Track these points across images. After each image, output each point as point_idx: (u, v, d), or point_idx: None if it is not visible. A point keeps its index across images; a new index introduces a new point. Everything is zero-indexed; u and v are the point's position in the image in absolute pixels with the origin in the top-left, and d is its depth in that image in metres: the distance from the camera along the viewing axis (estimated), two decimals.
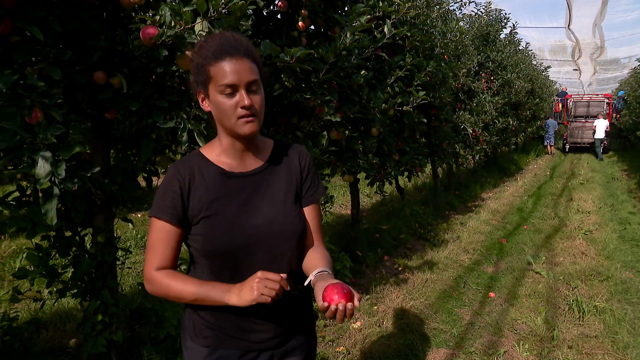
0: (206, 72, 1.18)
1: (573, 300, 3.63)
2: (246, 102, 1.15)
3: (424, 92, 3.97)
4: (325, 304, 1.03)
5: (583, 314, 3.47)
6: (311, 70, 3.02)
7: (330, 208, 6.94)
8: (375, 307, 3.61)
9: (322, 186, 1.39)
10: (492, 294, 4.05)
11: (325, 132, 3.09)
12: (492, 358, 2.96)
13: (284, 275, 1.11)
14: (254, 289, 1.08)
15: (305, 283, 1.18)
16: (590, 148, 16.87)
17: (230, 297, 1.12)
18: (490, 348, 3.08)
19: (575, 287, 4.00)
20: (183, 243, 1.28)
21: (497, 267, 4.83)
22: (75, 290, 2.39)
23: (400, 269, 4.52)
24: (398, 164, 5.04)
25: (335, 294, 1.04)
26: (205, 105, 1.24)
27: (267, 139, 1.39)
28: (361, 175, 5.30)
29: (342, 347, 2.97)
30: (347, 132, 3.56)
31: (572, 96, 19.08)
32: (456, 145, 7.45)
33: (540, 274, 4.44)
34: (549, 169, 13.18)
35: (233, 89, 1.16)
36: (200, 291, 1.17)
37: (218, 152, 1.29)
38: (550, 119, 16.96)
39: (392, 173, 4.93)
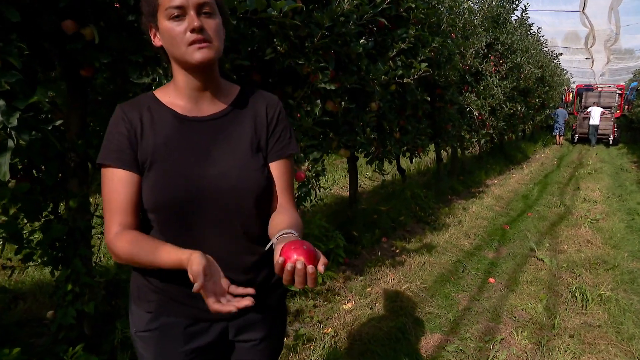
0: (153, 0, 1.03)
1: (576, 288, 3.46)
2: (195, 23, 0.99)
3: (427, 65, 3.74)
4: (281, 258, 0.87)
5: (586, 302, 3.30)
6: (305, 36, 2.83)
7: (330, 189, 6.79)
8: (369, 289, 3.46)
9: (294, 142, 1.22)
10: (491, 280, 3.89)
11: (319, 101, 2.91)
12: (488, 345, 2.81)
13: (225, 284, 0.99)
14: (196, 275, 0.94)
15: (267, 248, 1.02)
16: (600, 139, 16.58)
17: (182, 261, 0.99)
18: (487, 334, 2.92)
19: (579, 275, 3.83)
20: None
21: (499, 253, 4.66)
22: (45, 258, 2.25)
23: (397, 251, 4.36)
24: (399, 143, 4.86)
25: (293, 250, 0.88)
26: (157, 41, 1.09)
27: (234, 84, 1.21)
28: (361, 159, 5.15)
29: (330, 329, 2.83)
30: (343, 103, 3.36)
31: (583, 86, 18.71)
32: (461, 129, 7.24)
33: (543, 261, 4.27)
34: (556, 159, 12.93)
35: (181, 12, 1.00)
36: (155, 255, 1.02)
37: (172, 94, 1.13)
38: (560, 108, 16.66)
39: (393, 152, 4.76)
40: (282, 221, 1.08)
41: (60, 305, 2.27)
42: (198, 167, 1.07)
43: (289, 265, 0.85)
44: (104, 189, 1.07)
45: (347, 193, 6.16)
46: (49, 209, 2.27)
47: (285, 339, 2.69)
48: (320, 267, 0.87)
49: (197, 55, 1.01)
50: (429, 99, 5.64)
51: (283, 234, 0.98)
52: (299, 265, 0.85)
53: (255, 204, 1.11)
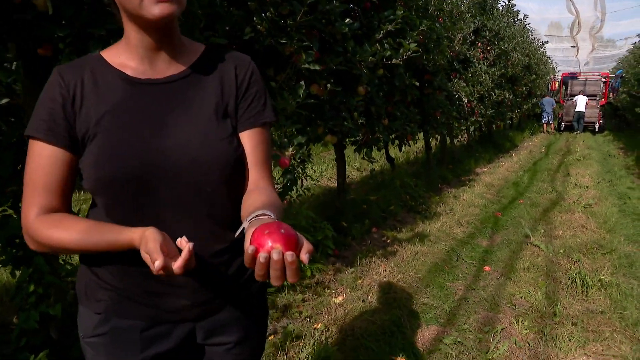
0: None
1: (576, 274, 3.32)
2: None
3: (416, 44, 3.57)
4: (251, 247, 0.68)
5: (587, 288, 3.17)
6: (287, 14, 2.65)
7: (317, 180, 6.61)
8: (360, 281, 3.29)
9: (270, 108, 1.03)
10: (487, 268, 3.75)
11: (302, 82, 2.72)
12: (488, 336, 2.65)
13: (186, 249, 0.79)
14: (152, 253, 0.78)
15: (237, 234, 0.84)
16: (586, 127, 16.62)
17: (134, 241, 0.82)
18: (486, 325, 2.77)
19: (577, 261, 3.69)
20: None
21: (493, 241, 4.52)
22: (3, 257, 2.05)
23: (388, 241, 4.20)
24: (388, 129, 4.69)
25: (267, 236, 0.69)
26: None
27: (197, 43, 1.02)
28: (349, 149, 4.97)
29: (320, 324, 2.65)
30: (329, 85, 3.18)
31: (568, 75, 18.71)
32: (450, 116, 7.10)
33: (539, 247, 4.13)
34: (544, 147, 12.88)
35: None
36: (89, 234, 0.85)
37: (123, 54, 0.93)
38: (546, 97, 16.65)
39: (382, 139, 4.59)
40: (255, 201, 0.90)
41: (22, 308, 2.07)
42: (151, 138, 0.88)
43: (261, 256, 0.67)
44: (27, 165, 0.88)
45: (335, 184, 5.99)
46: (8, 204, 2.07)
47: (271, 336, 2.51)
48: (304, 256, 0.69)
49: (155, 9, 0.82)
50: (417, 84, 5.48)
51: (256, 216, 0.80)
52: (274, 256, 0.66)
53: (222, 181, 0.93)
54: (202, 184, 0.91)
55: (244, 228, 0.81)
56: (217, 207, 0.95)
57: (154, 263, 0.74)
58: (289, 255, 0.67)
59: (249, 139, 0.99)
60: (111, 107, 0.88)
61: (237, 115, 0.98)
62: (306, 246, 0.71)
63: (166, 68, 0.94)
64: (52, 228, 0.86)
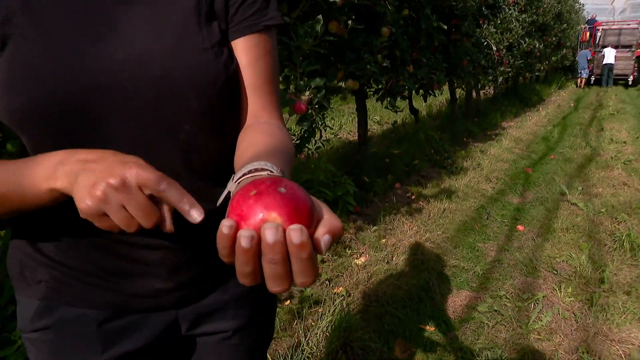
0: None
1: (626, 236, 2.99)
2: None
3: None
4: (227, 223, 0.39)
5: (636, 252, 2.85)
6: None
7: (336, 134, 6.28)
8: (384, 240, 3.02)
9: (275, 6, 0.70)
10: (520, 227, 3.44)
11: (320, 16, 2.36)
12: (527, 304, 2.38)
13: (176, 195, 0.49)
14: (96, 188, 0.46)
15: (220, 201, 0.54)
16: (619, 79, 15.77)
17: (57, 176, 0.50)
18: (525, 291, 2.49)
19: (622, 221, 3.36)
20: None
21: (524, 198, 4.19)
22: None
23: (413, 197, 3.90)
24: (412, 77, 4.31)
25: (253, 200, 0.39)
26: None
27: None
28: (370, 101, 4.60)
29: (340, 288, 2.40)
30: (350, 23, 2.81)
31: (602, 24, 17.63)
32: (478, 65, 6.63)
33: (577, 206, 3.80)
34: (573, 101, 12.25)
35: None
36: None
37: None
38: (583, 50, 15.82)
39: (406, 87, 4.22)
40: (252, 144, 0.60)
41: None
42: (92, 48, 0.57)
43: (242, 237, 0.37)
44: None
45: (355, 138, 5.66)
46: None
47: (287, 302, 2.27)
48: (322, 237, 0.40)
49: None
50: (445, 27, 5.04)
51: (249, 172, 0.50)
52: (268, 235, 0.37)
53: (204, 113, 0.63)
54: (175, 118, 0.61)
55: (229, 192, 0.51)
56: (199, 153, 0.65)
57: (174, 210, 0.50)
58: (296, 232, 0.37)
59: (245, 51, 0.67)
60: (27, 3, 0.56)
61: (227, 17, 0.66)
62: (328, 221, 0.41)
63: None
64: None
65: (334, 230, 0.40)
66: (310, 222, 0.40)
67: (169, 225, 0.50)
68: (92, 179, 0.46)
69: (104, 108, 0.57)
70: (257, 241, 0.37)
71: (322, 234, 0.40)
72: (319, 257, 2.74)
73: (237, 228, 0.38)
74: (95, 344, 0.66)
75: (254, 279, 0.40)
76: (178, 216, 0.60)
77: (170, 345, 0.73)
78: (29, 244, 0.66)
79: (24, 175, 0.52)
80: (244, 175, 0.50)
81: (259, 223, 0.38)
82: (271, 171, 0.49)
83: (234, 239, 0.38)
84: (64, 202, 0.52)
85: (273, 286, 0.38)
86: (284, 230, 0.37)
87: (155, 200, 0.49)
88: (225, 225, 0.38)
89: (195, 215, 0.48)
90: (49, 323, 0.66)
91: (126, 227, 0.48)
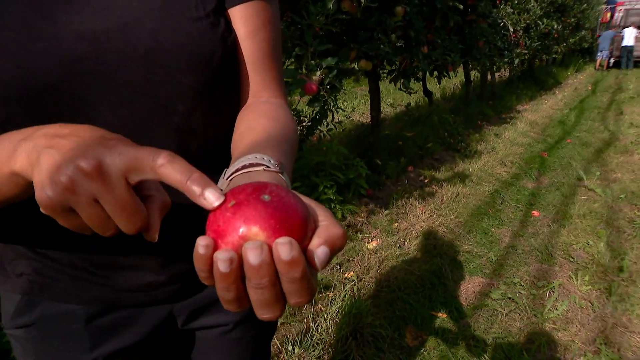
0: None
1: None
2: None
3: None
4: (203, 242, 0.32)
5: None
6: None
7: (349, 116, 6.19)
8: (396, 225, 2.97)
9: None
10: (535, 213, 3.37)
11: None
12: (543, 292, 2.32)
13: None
14: (61, 171, 0.34)
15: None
16: (638, 63, 15.37)
17: (17, 154, 0.38)
18: (540, 279, 2.43)
19: None
20: None
21: (540, 183, 4.10)
22: None
23: (426, 181, 3.83)
24: (427, 58, 4.20)
25: (231, 212, 0.33)
26: None
27: None
28: (383, 83, 4.50)
29: (351, 273, 2.36)
30: (363, 1, 2.71)
31: (624, 3, 17.13)
32: (494, 46, 6.47)
33: (595, 192, 3.70)
34: (590, 84, 11.97)
35: None
36: None
37: None
38: (607, 30, 15.40)
39: (420, 68, 4.12)
40: (249, 131, 0.54)
41: None
42: (66, 15, 0.49)
43: (220, 258, 0.31)
44: None
45: (368, 120, 5.57)
46: None
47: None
48: (319, 249, 0.33)
49: None
50: (461, 7, 4.90)
51: (242, 168, 0.43)
52: (250, 255, 0.31)
53: (201, 90, 0.56)
54: (168, 97, 0.54)
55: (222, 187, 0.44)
56: (195, 137, 0.58)
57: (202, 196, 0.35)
58: (284, 247, 0.30)
59: (243, 20, 0.60)
60: None
61: None
62: (325, 229, 0.35)
63: None
64: None
65: (332, 239, 0.34)
66: (303, 233, 0.33)
67: (154, 232, 0.38)
68: (57, 160, 0.34)
69: (83, 85, 0.50)
70: (238, 263, 0.31)
71: (317, 246, 0.33)
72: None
73: (214, 247, 0.32)
74: (83, 342, 0.61)
75: (240, 305, 0.33)
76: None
77: (166, 340, 0.69)
78: (10, 235, 0.60)
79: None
80: (237, 171, 0.43)
81: (238, 241, 0.32)
82: (267, 166, 0.43)
83: (211, 259, 0.32)
84: None
85: (262, 313, 0.32)
86: (270, 247, 0.31)
87: (140, 197, 0.38)
88: (200, 245, 0.32)
89: (212, 198, 0.34)
90: (30, 320, 0.61)
91: (99, 229, 0.36)
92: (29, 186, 0.39)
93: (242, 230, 0.32)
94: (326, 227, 0.34)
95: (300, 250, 0.31)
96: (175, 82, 0.54)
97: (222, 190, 0.40)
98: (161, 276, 0.62)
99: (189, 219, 0.57)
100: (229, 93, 0.61)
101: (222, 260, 0.30)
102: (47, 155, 0.35)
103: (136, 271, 0.61)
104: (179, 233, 0.60)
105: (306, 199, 0.37)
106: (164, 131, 0.55)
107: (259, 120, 0.56)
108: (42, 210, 0.36)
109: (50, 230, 0.56)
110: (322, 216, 0.36)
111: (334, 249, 0.34)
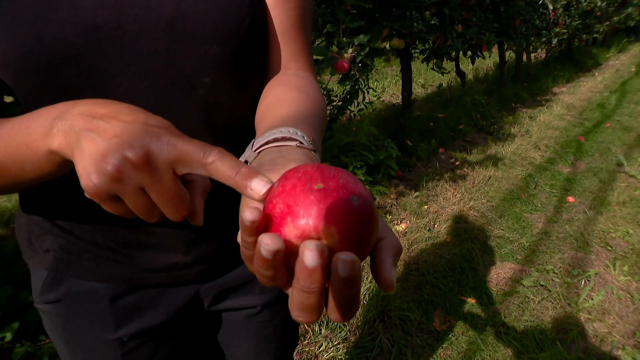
0: None
1: None
2: None
3: None
4: (249, 216, 0.28)
5: None
6: None
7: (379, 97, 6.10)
8: (425, 207, 2.92)
9: None
10: (570, 199, 3.25)
11: None
12: (577, 280, 2.25)
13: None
14: (107, 160, 0.33)
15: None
16: None
17: (54, 133, 0.37)
18: (575, 267, 2.35)
19: None
20: None
21: (576, 168, 3.96)
22: None
23: (457, 163, 3.74)
24: (461, 37, 4.07)
25: (314, 200, 0.28)
26: None
27: None
28: (415, 64, 4.40)
29: None
30: None
31: None
32: (531, 25, 6.23)
33: (636, 178, 3.55)
34: (634, 65, 11.46)
35: None
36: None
37: None
38: None
39: (454, 47, 4.00)
40: (280, 101, 0.51)
41: None
42: None
43: (264, 247, 0.27)
44: None
45: (399, 101, 5.47)
46: None
47: None
48: (386, 270, 0.30)
49: None
50: None
51: (273, 140, 0.41)
52: (308, 258, 0.26)
53: (228, 61, 0.53)
54: (193, 69, 0.51)
55: (246, 162, 0.41)
56: (221, 111, 0.55)
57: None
58: (347, 265, 0.26)
59: None
60: None
61: None
62: (393, 244, 0.32)
63: None
64: None
65: (398, 257, 0.32)
66: (370, 248, 0.30)
67: (200, 217, 0.38)
68: (102, 147, 0.34)
69: (103, 56, 0.47)
70: (285, 253, 0.28)
71: (389, 269, 0.30)
72: None
73: (261, 221, 0.28)
74: (108, 321, 0.60)
75: (276, 284, 0.30)
76: None
77: (193, 321, 0.67)
78: (36, 212, 0.60)
79: (19, 135, 0.40)
80: (267, 143, 0.40)
81: (304, 233, 0.28)
82: (301, 142, 0.40)
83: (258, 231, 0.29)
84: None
85: (298, 316, 0.29)
86: (333, 253, 0.28)
87: (183, 182, 0.37)
88: (246, 219, 0.28)
89: (259, 187, 0.32)
90: (58, 297, 0.60)
91: (144, 217, 0.36)
92: (65, 164, 0.39)
93: (317, 224, 0.28)
94: (392, 241, 0.32)
95: (360, 269, 0.27)
96: (201, 52, 0.50)
97: (247, 162, 0.40)
98: (187, 257, 0.60)
99: (214, 202, 0.55)
100: (257, 65, 0.57)
101: (266, 249, 0.27)
102: (88, 140, 0.34)
103: (161, 251, 0.59)
104: (206, 214, 0.57)
105: None
106: (189, 106, 0.52)
107: (289, 93, 0.53)
108: (86, 195, 0.35)
109: (76, 208, 0.55)
110: (384, 227, 0.33)
111: (397, 258, 0.32)
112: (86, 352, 0.62)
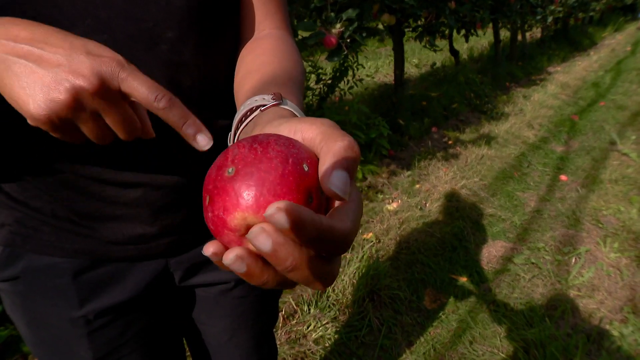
0: None
1: None
2: None
3: None
4: (210, 250, 0.27)
5: None
6: None
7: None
8: (417, 186, 2.89)
9: None
10: (563, 177, 3.24)
11: None
12: (568, 257, 2.24)
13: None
14: (60, 88, 0.33)
15: (230, 138, 0.42)
16: None
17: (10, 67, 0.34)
18: (566, 244, 2.35)
19: None
20: None
21: (569, 146, 3.95)
22: None
23: (450, 142, 3.72)
24: (454, 14, 4.01)
25: (219, 186, 0.27)
26: None
27: None
28: (408, 44, 4.34)
29: (370, 234, 2.31)
30: None
31: None
32: (527, 2, 6.15)
33: (629, 156, 3.54)
34: (630, 44, 11.39)
35: None
36: None
37: None
38: None
39: (448, 24, 3.94)
40: (250, 73, 0.48)
41: None
42: None
43: (230, 263, 0.25)
44: None
45: (391, 80, 5.41)
46: None
47: None
48: (332, 172, 0.26)
49: None
50: None
51: (243, 118, 0.40)
52: (260, 245, 0.23)
53: (192, 14, 0.49)
54: (155, 22, 0.48)
55: (231, 136, 0.42)
56: (188, 70, 0.51)
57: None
58: (280, 215, 0.22)
59: None
60: None
61: None
62: (328, 149, 0.27)
63: None
64: None
65: (342, 158, 0.26)
66: (298, 180, 0.26)
67: (150, 130, 0.41)
68: (46, 76, 0.33)
69: (53, 6, 0.44)
70: (253, 254, 0.26)
71: (330, 174, 0.26)
72: None
73: (222, 250, 0.27)
74: (71, 297, 0.57)
75: (276, 279, 0.28)
76: (160, 147, 0.49)
77: (163, 298, 0.64)
78: None
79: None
80: (240, 122, 0.40)
81: (236, 238, 0.27)
82: (264, 105, 0.39)
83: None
84: (24, 128, 0.41)
85: (314, 287, 0.27)
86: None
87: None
88: (205, 248, 0.27)
89: (203, 142, 0.37)
90: (15, 273, 0.56)
91: (99, 140, 0.38)
92: None
93: (231, 222, 0.26)
94: (327, 145, 0.27)
95: (300, 212, 0.23)
96: (162, 3, 0.47)
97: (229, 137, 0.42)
98: (153, 227, 0.57)
99: (179, 167, 0.53)
100: (226, 20, 0.54)
101: (231, 261, 0.25)
102: (23, 67, 0.33)
103: (125, 222, 0.56)
104: (169, 180, 0.54)
105: (292, 126, 0.30)
106: (151, 62, 0.48)
107: (257, 60, 0.50)
108: (32, 123, 0.35)
109: (30, 176, 0.51)
110: (319, 134, 0.29)
111: (349, 166, 0.26)
112: (49, 332, 0.58)
